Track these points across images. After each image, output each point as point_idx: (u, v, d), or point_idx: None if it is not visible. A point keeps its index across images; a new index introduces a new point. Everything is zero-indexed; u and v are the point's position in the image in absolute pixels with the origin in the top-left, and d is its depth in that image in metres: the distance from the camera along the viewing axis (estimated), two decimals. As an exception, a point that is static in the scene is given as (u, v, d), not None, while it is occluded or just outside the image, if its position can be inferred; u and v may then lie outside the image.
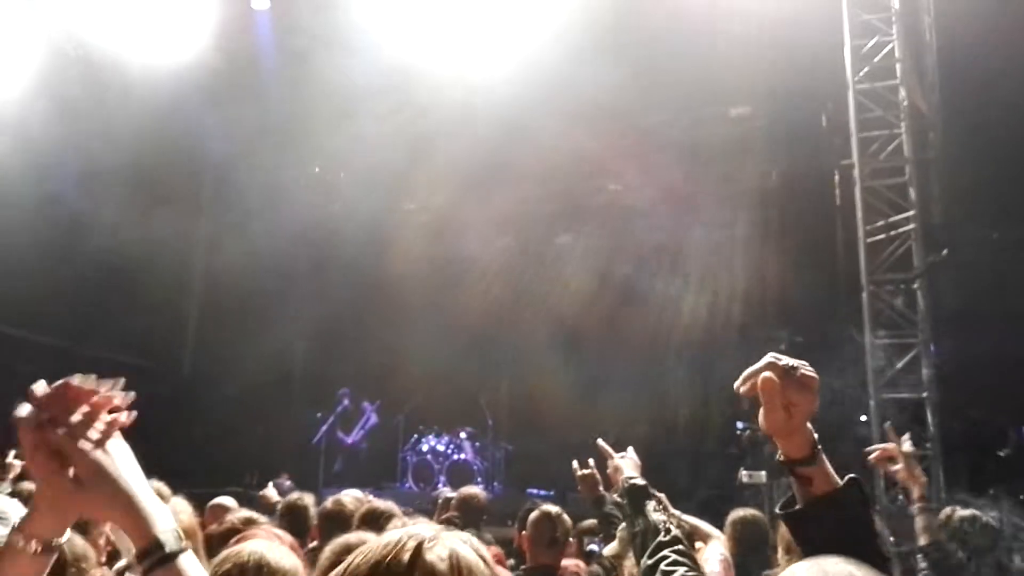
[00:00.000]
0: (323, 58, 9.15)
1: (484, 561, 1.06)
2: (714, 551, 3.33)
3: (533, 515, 3.88)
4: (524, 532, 3.92)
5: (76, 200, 9.79)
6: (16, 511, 2.02)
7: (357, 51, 9.00)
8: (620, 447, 3.09)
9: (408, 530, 1.05)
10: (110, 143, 9.69)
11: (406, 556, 0.99)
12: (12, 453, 4.99)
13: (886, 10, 8.42)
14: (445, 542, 1.02)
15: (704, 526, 3.67)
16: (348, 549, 2.51)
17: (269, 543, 2.03)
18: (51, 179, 10.02)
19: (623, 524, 2.94)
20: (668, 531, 2.14)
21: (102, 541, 2.74)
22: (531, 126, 9.77)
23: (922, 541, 3.30)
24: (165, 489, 4.21)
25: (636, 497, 2.40)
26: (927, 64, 8.19)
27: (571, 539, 4.15)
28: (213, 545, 2.88)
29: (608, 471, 3.02)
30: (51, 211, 9.84)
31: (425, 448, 11.64)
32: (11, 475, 4.90)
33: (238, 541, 2.42)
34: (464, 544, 1.05)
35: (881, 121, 8.39)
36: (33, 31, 9.57)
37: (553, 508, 3.94)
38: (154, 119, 9.44)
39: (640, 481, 2.49)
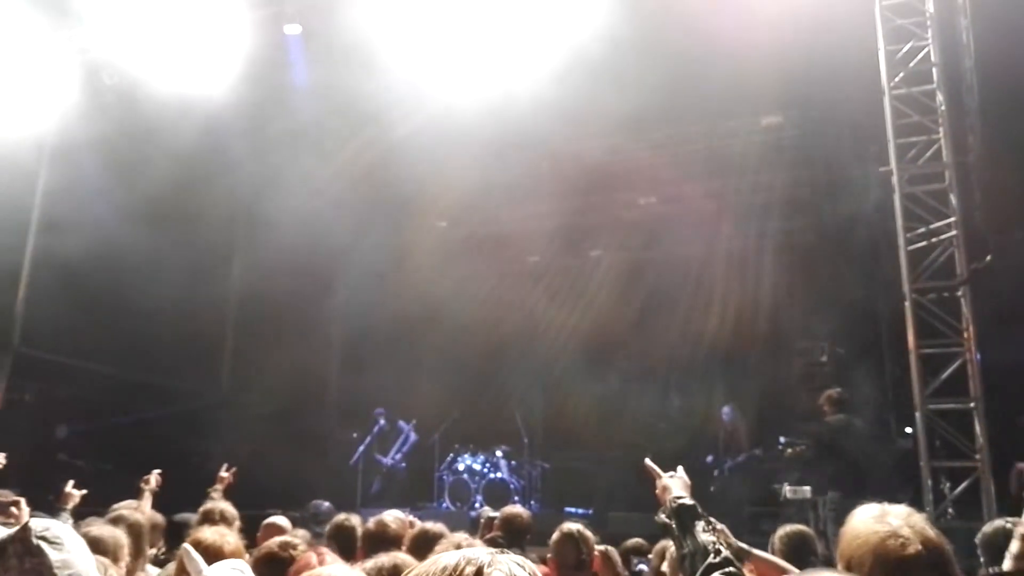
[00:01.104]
0: (353, 79, 9.25)
1: None
2: None
3: (555, 537, 3.84)
4: (549, 556, 3.87)
5: (114, 227, 9.98)
6: (70, 537, 2.04)
7: (384, 69, 9.09)
8: (657, 462, 3.01)
9: (465, 554, 1.03)
10: (146, 170, 9.89)
11: None
12: (71, 483, 5.07)
13: (920, 14, 8.30)
14: (503, 566, 1.00)
15: (778, 562, 3.48)
16: (396, 570, 2.49)
17: (345, 568, 2.04)
18: (90, 207, 10.24)
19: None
20: (718, 552, 2.09)
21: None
22: (561, 141, 9.77)
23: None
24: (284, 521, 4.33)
25: (685, 518, 2.35)
26: (964, 67, 8.03)
27: (597, 554, 4.08)
28: (256, 570, 2.90)
29: (656, 491, 2.90)
30: (90, 239, 10.04)
31: (461, 467, 11.63)
32: (70, 504, 4.98)
33: (300, 568, 2.42)
34: (521, 568, 1.03)
35: (919, 126, 8.24)
36: (67, 60, 9.81)
37: (575, 527, 3.88)
38: (188, 146, 9.60)
39: (688, 501, 2.44)
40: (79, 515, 3.77)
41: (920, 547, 1.74)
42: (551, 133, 9.48)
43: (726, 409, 11.04)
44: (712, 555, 2.07)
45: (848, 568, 1.84)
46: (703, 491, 10.71)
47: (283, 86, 9.57)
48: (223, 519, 4.06)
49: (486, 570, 0.99)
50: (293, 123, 9.69)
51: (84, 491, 5.29)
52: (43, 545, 1.90)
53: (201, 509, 4.25)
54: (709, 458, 10.93)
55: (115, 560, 2.95)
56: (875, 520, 1.83)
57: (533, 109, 8.75)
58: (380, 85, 9.12)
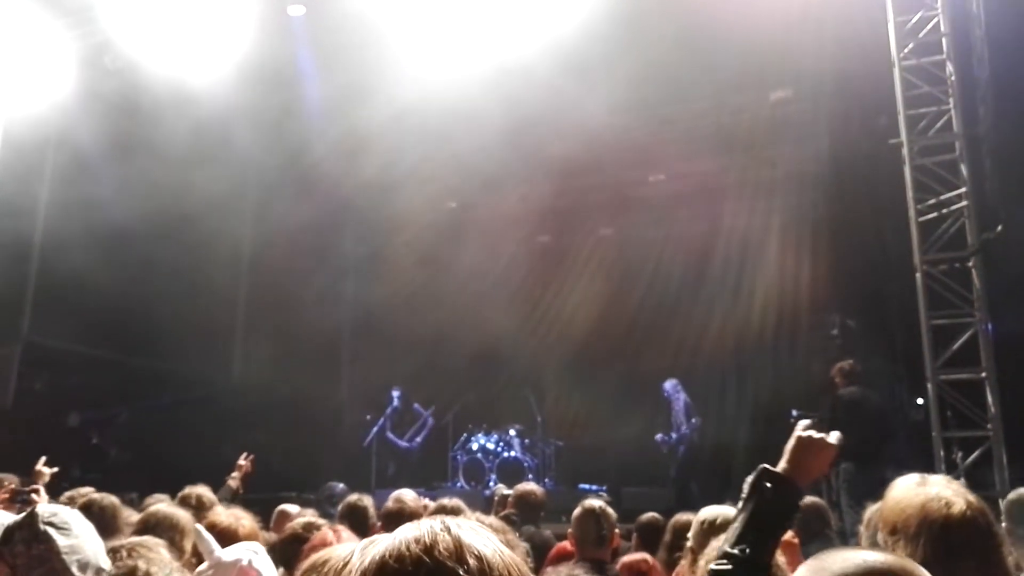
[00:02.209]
0: (358, 57, 9.21)
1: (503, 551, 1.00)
2: None
3: (576, 513, 3.86)
4: (570, 531, 3.91)
5: (121, 213, 9.99)
6: (78, 522, 2.06)
7: (388, 46, 9.05)
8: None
9: (427, 523, 1.02)
10: (151, 155, 9.88)
11: (447, 548, 0.95)
12: (42, 461, 5.21)
13: (930, -17, 8.21)
14: (473, 529, 0.98)
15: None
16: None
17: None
18: (95, 193, 10.25)
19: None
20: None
21: (188, 546, 2.81)
22: (569, 119, 9.72)
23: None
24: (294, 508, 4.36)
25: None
26: (975, 37, 7.95)
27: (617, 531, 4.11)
28: (279, 552, 2.94)
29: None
30: (96, 224, 10.06)
31: (475, 447, 11.71)
32: (40, 483, 5.10)
33: (314, 546, 2.45)
34: (484, 530, 1.00)
35: (929, 97, 8.18)
36: (70, 46, 9.78)
37: (596, 503, 3.91)
38: (194, 129, 9.58)
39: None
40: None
41: (965, 507, 1.77)
42: (560, 111, 9.43)
43: (669, 384, 11.01)
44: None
45: (891, 534, 1.85)
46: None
47: (287, 66, 9.52)
48: (199, 504, 4.05)
49: (462, 535, 0.96)
50: (299, 102, 9.65)
51: (55, 469, 5.38)
52: (50, 531, 1.93)
53: (179, 494, 4.22)
54: (659, 436, 10.99)
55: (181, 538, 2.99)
56: (917, 485, 1.86)
57: (541, 87, 8.71)
58: (385, 62, 9.08)
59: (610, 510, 3.86)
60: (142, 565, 1.67)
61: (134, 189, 10.00)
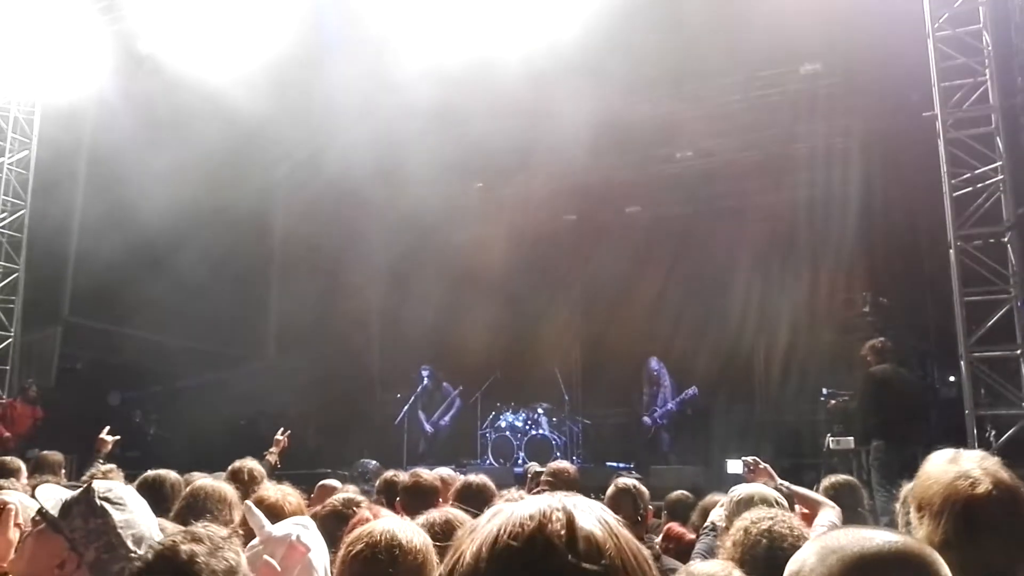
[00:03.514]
0: (385, 39, 9.23)
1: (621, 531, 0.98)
2: (826, 517, 3.32)
3: (610, 491, 3.90)
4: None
5: (156, 197, 10.15)
6: (132, 497, 2.12)
7: (415, 27, 9.07)
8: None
9: (545, 500, 0.96)
10: (184, 143, 10.01)
11: (561, 527, 0.90)
12: (106, 430, 5.47)
13: (966, -49, 8.02)
14: (588, 509, 0.95)
15: (814, 495, 3.65)
16: (448, 526, 2.57)
17: (400, 521, 2.11)
18: (131, 178, 10.43)
19: None
20: None
21: (236, 517, 2.89)
22: (597, 97, 9.66)
23: None
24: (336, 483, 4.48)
25: None
26: (1013, 4, 7.76)
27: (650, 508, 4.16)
28: (319, 527, 3.03)
29: None
30: (134, 208, 10.23)
31: (503, 424, 11.80)
32: (104, 450, 5.38)
33: (358, 522, 2.52)
34: (604, 511, 0.97)
35: (964, 68, 8.01)
36: (106, 29, 9.90)
37: (631, 481, 3.95)
38: (229, 108, 9.65)
39: None
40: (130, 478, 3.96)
41: (991, 487, 1.76)
42: (587, 90, 9.38)
43: (655, 361, 11.07)
44: None
45: (919, 509, 1.87)
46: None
47: (318, 45, 9.56)
48: (251, 478, 4.15)
49: (576, 514, 0.92)
50: (330, 82, 9.69)
51: (117, 436, 5.64)
52: (106, 506, 1.99)
53: (230, 468, 4.31)
54: (645, 418, 11.08)
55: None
56: (948, 462, 1.87)
57: (569, 66, 8.66)
58: (411, 44, 9.10)
59: (644, 488, 3.90)
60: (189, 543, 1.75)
61: (168, 175, 10.15)
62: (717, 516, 3.32)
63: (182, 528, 1.94)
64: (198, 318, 12.02)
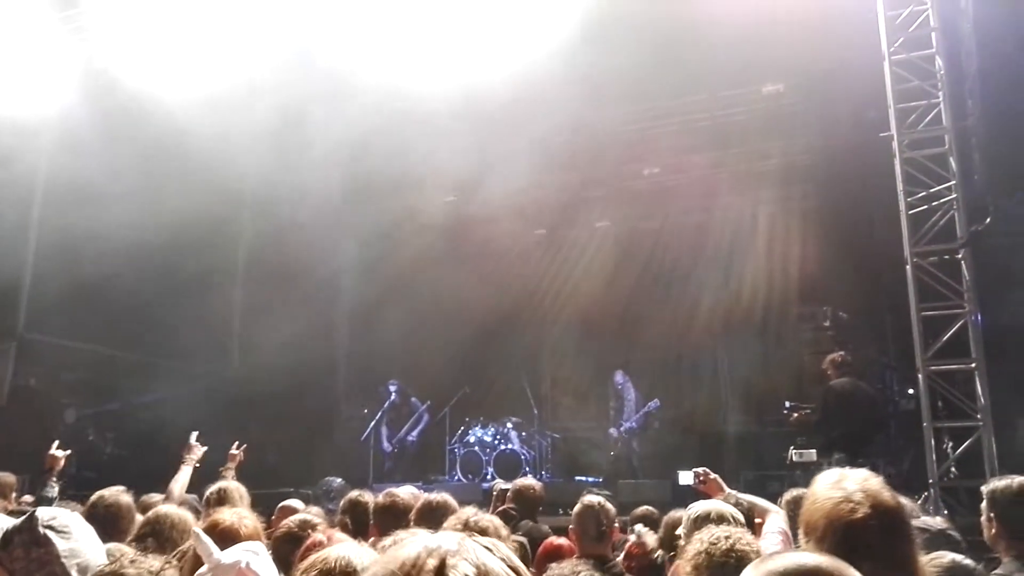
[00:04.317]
0: (358, 50, 9.22)
1: (515, 572, 0.95)
2: (773, 523, 3.37)
3: (577, 509, 3.91)
4: (571, 526, 3.95)
5: (116, 208, 9.98)
6: (78, 525, 2.05)
7: (387, 41, 9.07)
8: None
9: (426, 543, 0.93)
10: (147, 150, 9.88)
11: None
12: (55, 444, 5.34)
13: (919, -22, 8.28)
14: (470, 555, 0.91)
15: (761, 502, 3.72)
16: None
17: (355, 547, 2.08)
18: (91, 190, 10.24)
19: None
20: None
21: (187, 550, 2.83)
22: (566, 114, 9.76)
23: None
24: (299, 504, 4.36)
25: None
26: (963, 31, 8.02)
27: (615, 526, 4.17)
28: (274, 549, 2.96)
29: None
30: (93, 221, 10.05)
31: (472, 439, 11.76)
32: (56, 467, 5.25)
33: (311, 546, 2.48)
34: (492, 555, 0.93)
35: (918, 91, 8.25)
36: (65, 42, 9.77)
37: (595, 499, 3.96)
38: (190, 123, 9.56)
39: None
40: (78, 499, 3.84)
41: (869, 510, 1.79)
42: (556, 106, 9.47)
43: (620, 375, 11.20)
44: None
45: (806, 532, 1.90)
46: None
47: (284, 61, 9.51)
48: (227, 499, 4.03)
49: (450, 562, 0.89)
50: (295, 98, 9.65)
51: (68, 451, 5.50)
52: (50, 534, 1.91)
53: (206, 494, 4.19)
54: (612, 430, 11.23)
55: None
56: (831, 486, 1.90)
57: (538, 82, 8.73)
58: (383, 57, 9.10)
59: (609, 505, 3.91)
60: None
61: (130, 186, 9.99)
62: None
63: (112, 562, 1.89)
64: (157, 333, 11.80)
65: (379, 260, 12.79)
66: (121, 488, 3.66)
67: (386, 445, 11.94)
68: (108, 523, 3.09)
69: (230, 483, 4.22)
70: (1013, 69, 7.67)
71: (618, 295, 12.20)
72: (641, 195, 12.67)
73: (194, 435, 5.61)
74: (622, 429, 11.00)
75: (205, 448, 5.52)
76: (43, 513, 1.97)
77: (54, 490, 5.08)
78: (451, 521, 2.94)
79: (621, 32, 8.45)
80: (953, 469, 7.96)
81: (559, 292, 13.05)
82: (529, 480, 5.34)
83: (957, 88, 8.19)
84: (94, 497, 3.48)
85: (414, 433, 12.04)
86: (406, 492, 4.41)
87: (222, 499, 3.95)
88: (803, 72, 10.36)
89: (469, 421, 12.01)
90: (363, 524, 4.19)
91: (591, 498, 3.93)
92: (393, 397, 12.09)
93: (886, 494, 1.86)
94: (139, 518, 3.41)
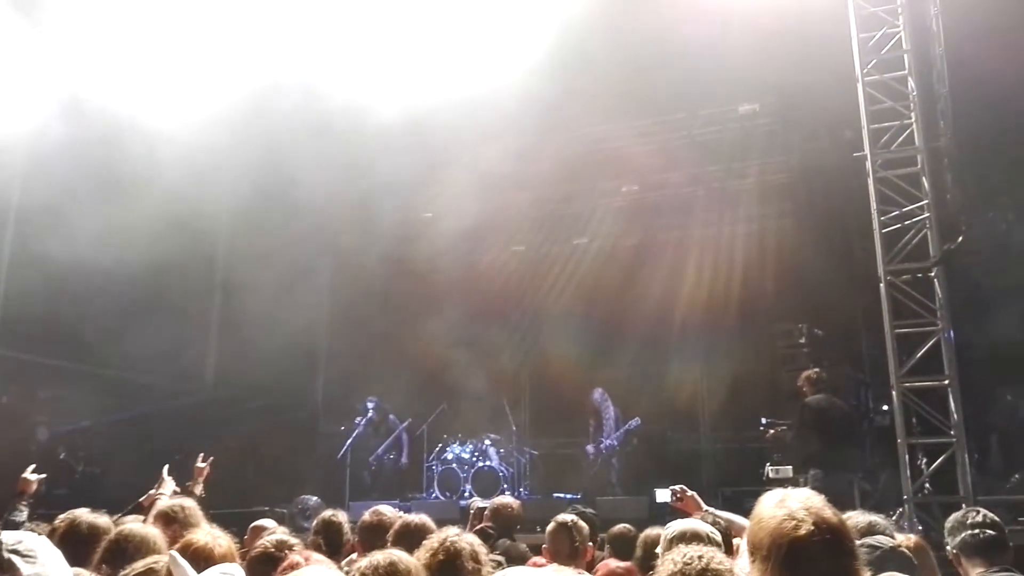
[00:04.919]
0: (335, 70, 9.23)
1: None
2: None
3: (550, 528, 3.90)
4: (544, 546, 3.93)
5: (90, 225, 9.88)
6: (44, 549, 2.01)
7: (366, 61, 9.08)
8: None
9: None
10: (121, 171, 9.80)
11: None
12: (30, 468, 5.22)
13: (892, 2, 8.43)
14: None
15: (739, 519, 3.73)
16: (393, 568, 2.52)
17: (327, 570, 2.06)
18: (65, 204, 10.14)
19: None
20: None
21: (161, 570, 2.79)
22: (545, 131, 9.83)
23: None
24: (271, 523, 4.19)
25: None
26: (934, 53, 8.18)
27: (591, 544, 4.16)
28: (250, 570, 2.91)
29: None
30: (65, 235, 9.94)
31: (450, 456, 11.68)
32: (29, 491, 5.13)
33: (287, 568, 2.45)
34: None
35: (892, 112, 8.40)
36: (41, 62, 9.69)
37: (568, 517, 3.95)
38: (166, 143, 9.52)
39: None
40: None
41: (812, 527, 1.81)
42: (535, 124, 9.54)
43: (597, 393, 11.21)
44: None
45: (751, 552, 1.92)
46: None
47: (259, 86, 9.50)
48: (185, 517, 3.80)
49: None
50: (276, 117, 9.63)
51: (44, 475, 5.38)
52: (14, 559, 1.84)
53: (157, 511, 3.95)
54: (589, 447, 11.24)
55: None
56: (775, 505, 1.92)
57: (517, 100, 8.78)
58: (362, 77, 9.11)
59: (583, 523, 3.90)
60: None
61: (104, 203, 9.90)
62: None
63: None
64: (134, 350, 11.65)
65: (358, 277, 12.76)
66: (86, 509, 3.57)
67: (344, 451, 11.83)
68: (79, 547, 3.02)
69: (172, 503, 4.02)
70: (983, 90, 7.84)
71: (596, 311, 12.25)
72: (620, 212, 12.76)
73: (165, 468, 5.44)
74: (603, 446, 10.99)
75: (173, 486, 5.36)
76: (8, 537, 1.92)
77: (23, 515, 4.96)
78: (431, 541, 2.90)
79: (600, 51, 8.54)
80: (927, 485, 8.03)
81: (537, 308, 13.08)
82: (507, 499, 5.32)
83: (929, 109, 8.34)
84: (64, 519, 3.39)
85: (400, 455, 11.91)
86: (387, 508, 4.37)
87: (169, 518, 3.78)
88: (779, 92, 10.53)
89: (447, 438, 11.93)
90: (336, 544, 4.15)
91: (564, 516, 3.92)
92: (371, 414, 12.00)
93: (828, 511, 1.89)
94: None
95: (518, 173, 11.17)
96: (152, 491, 5.23)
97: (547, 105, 9.26)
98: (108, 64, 9.47)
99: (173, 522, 3.65)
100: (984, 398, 9.34)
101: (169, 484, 5.40)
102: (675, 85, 9.95)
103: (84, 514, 3.44)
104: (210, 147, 9.62)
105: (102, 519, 3.43)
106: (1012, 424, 9.81)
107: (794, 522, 1.84)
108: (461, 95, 8.86)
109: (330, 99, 9.22)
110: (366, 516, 4.14)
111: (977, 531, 3.38)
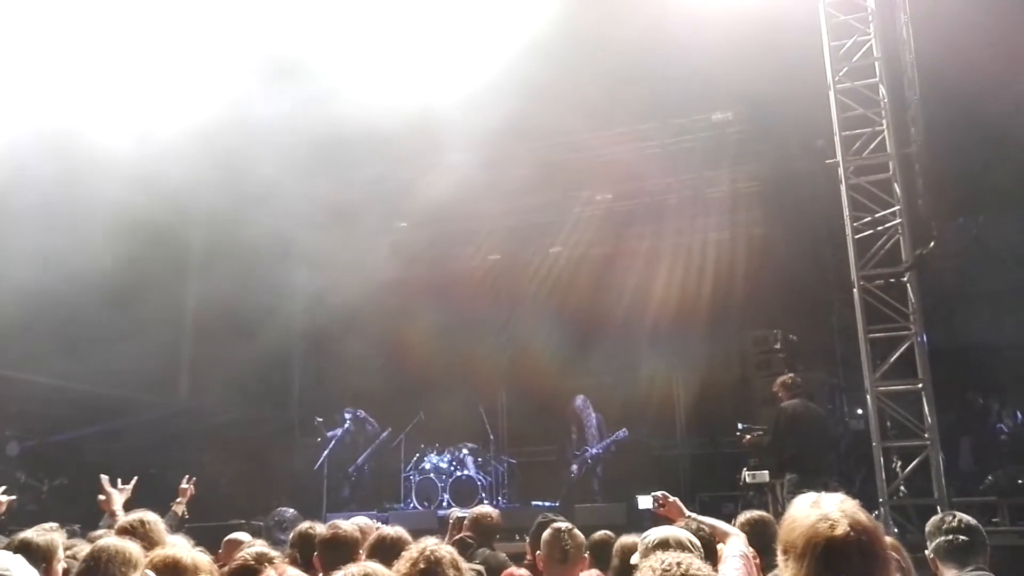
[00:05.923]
0: (307, 80, 9.18)
1: None
2: (734, 547, 3.37)
3: (545, 534, 3.88)
4: (538, 552, 3.91)
5: (61, 233, 9.73)
6: (19, 568, 1.97)
7: (337, 69, 9.05)
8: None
9: None
10: (97, 180, 9.65)
11: None
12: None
13: (862, 10, 8.57)
14: None
15: (721, 525, 3.72)
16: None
17: None
18: (37, 217, 9.97)
19: None
20: None
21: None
22: (519, 140, 9.84)
23: None
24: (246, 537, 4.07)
25: None
26: (905, 61, 8.31)
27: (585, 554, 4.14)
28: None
29: None
30: (37, 246, 9.78)
31: (427, 466, 11.60)
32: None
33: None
34: None
35: (863, 119, 8.52)
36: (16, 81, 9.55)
37: (564, 524, 3.94)
38: (139, 157, 9.40)
39: None
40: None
41: (848, 528, 1.84)
42: (509, 132, 9.54)
43: (579, 400, 11.19)
44: None
45: (784, 552, 1.94)
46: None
47: (232, 95, 9.42)
48: (146, 532, 3.64)
49: None
50: (248, 127, 9.54)
51: (12, 497, 5.25)
52: None
53: (119, 524, 3.86)
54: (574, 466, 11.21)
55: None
56: (810, 506, 1.95)
57: (490, 109, 8.78)
58: (336, 86, 9.06)
59: (577, 531, 3.88)
60: None
61: (76, 212, 9.75)
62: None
63: None
64: (106, 363, 11.46)
65: (333, 289, 12.66)
66: (53, 525, 3.47)
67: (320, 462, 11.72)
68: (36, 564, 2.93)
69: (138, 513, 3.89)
70: (953, 97, 7.95)
71: (572, 319, 12.25)
72: (594, 220, 12.80)
73: (105, 479, 5.45)
74: (588, 456, 10.91)
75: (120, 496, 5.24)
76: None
77: None
78: (410, 552, 2.86)
79: (573, 60, 8.56)
80: (902, 488, 8.11)
81: (514, 316, 13.07)
82: (486, 508, 5.28)
83: (900, 115, 8.46)
84: (20, 537, 3.25)
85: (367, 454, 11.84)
86: (356, 524, 4.26)
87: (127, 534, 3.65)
88: (751, 101, 10.63)
89: (424, 447, 11.85)
90: (313, 557, 4.08)
91: (560, 523, 3.91)
92: (347, 425, 11.90)
93: (862, 514, 1.92)
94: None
95: (492, 182, 11.16)
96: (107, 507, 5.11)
97: (521, 114, 9.26)
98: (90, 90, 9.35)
99: (132, 538, 3.52)
100: (957, 401, 9.47)
101: (117, 496, 5.25)
102: (648, 94, 10.02)
103: (32, 533, 3.29)
104: (181, 158, 9.51)
105: (40, 537, 3.27)
106: (984, 427, 9.96)
107: (829, 522, 1.86)
108: (433, 104, 8.85)
109: (302, 108, 9.17)
110: (323, 530, 4.01)
111: (951, 536, 3.48)
